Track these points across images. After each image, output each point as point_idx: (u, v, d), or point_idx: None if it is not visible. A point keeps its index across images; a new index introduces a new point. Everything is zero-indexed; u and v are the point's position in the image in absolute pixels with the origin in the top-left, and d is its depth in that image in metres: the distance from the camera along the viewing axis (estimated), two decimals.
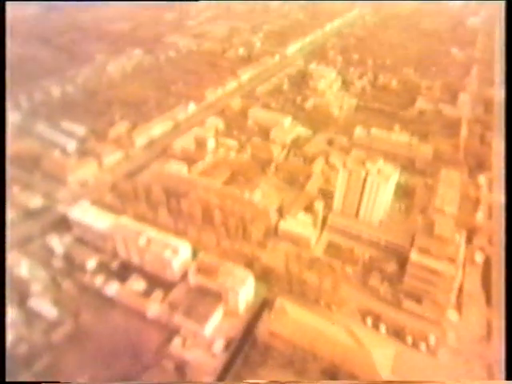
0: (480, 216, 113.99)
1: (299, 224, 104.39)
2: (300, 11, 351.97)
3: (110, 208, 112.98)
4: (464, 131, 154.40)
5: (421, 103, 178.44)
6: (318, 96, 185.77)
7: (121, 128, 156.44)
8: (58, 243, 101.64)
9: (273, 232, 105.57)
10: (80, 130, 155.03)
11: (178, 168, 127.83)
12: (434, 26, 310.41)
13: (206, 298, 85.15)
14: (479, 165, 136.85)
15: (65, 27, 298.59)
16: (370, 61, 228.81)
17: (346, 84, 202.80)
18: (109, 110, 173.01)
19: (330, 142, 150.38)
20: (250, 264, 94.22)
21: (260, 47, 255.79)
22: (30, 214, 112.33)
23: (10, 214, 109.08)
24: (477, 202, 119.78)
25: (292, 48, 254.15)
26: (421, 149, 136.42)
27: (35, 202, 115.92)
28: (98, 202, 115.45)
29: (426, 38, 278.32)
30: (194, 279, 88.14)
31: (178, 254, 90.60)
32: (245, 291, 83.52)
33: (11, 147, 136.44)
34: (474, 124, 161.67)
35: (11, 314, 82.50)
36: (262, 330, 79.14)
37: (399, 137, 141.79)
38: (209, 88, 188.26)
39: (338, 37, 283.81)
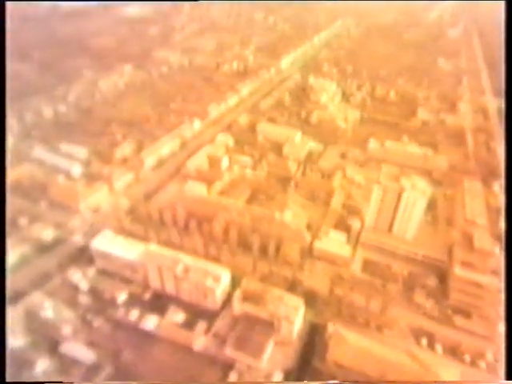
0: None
1: (334, 243, 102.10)
2: (285, 23, 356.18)
3: (131, 235, 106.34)
4: (470, 140, 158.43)
5: (422, 113, 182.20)
6: (320, 109, 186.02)
7: (126, 148, 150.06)
8: (81, 278, 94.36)
9: (308, 252, 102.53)
10: (81, 152, 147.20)
11: (197, 189, 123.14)
12: (416, 37, 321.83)
13: (256, 327, 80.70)
14: (491, 173, 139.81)
15: (44, 42, 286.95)
16: (364, 72, 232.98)
17: (345, 96, 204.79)
18: (108, 130, 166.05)
19: (343, 156, 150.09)
20: (292, 288, 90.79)
21: (253, 61, 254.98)
22: (44, 249, 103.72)
23: (22, 250, 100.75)
24: (498, 211, 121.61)
25: (285, 61, 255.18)
26: (436, 160, 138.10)
27: (47, 234, 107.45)
28: (116, 230, 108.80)
29: (412, 49, 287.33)
30: (239, 308, 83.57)
31: (219, 282, 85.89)
32: (299, 319, 79.88)
33: (10, 175, 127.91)
34: (477, 133, 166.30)
35: (44, 363, 75.12)
36: (321, 358, 75.51)
37: (413, 148, 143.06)
38: (211, 104, 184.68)
39: (328, 49, 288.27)
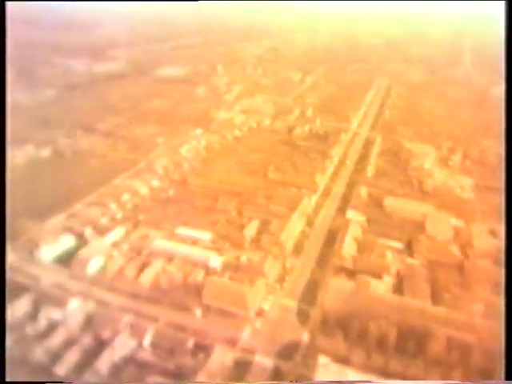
0: None
1: None
2: (327, 84, 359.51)
3: (327, 353, 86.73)
4: None
5: None
6: (428, 176, 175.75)
7: (251, 229, 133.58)
8: None
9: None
10: (204, 235, 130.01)
11: (373, 286, 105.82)
12: (459, 94, 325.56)
13: None
14: None
15: (99, 110, 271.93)
16: (443, 134, 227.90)
17: (442, 160, 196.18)
18: (217, 205, 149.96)
19: (493, 233, 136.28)
20: None
21: (320, 123, 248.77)
22: (233, 377, 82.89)
23: None
24: None
25: (355, 123, 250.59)
26: None
27: (228, 358, 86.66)
28: (304, 346, 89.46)
29: (463, 107, 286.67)
30: None
31: None
32: None
33: (145, 280, 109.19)
34: None
35: None
36: None
37: None
38: (316, 174, 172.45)
39: (387, 108, 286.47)
